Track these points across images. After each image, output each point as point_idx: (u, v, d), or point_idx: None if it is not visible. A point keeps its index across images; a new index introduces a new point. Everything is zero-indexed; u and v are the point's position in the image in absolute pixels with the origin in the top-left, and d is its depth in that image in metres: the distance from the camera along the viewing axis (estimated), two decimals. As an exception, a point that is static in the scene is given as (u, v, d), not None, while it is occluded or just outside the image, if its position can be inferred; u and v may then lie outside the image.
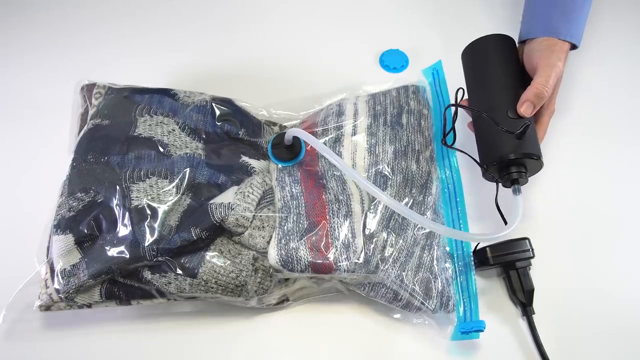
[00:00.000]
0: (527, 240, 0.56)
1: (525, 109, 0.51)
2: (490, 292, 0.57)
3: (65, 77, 0.68)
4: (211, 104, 0.59)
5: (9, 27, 0.77)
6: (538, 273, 0.56)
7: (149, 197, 0.51)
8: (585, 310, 0.57)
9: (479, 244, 0.56)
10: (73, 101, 0.62)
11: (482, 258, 0.56)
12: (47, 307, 0.49)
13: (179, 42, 0.76)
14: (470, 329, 0.50)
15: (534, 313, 0.55)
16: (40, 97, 0.70)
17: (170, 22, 0.78)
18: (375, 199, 0.54)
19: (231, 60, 0.74)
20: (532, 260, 0.56)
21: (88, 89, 0.61)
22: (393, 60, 0.74)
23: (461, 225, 0.57)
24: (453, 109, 0.58)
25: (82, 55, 0.74)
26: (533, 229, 0.58)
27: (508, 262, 0.55)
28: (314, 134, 0.59)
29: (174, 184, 0.52)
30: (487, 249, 0.55)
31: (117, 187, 0.51)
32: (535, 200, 0.63)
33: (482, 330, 0.50)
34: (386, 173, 0.56)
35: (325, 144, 0.57)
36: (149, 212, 0.50)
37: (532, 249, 0.56)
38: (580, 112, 0.70)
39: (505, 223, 0.52)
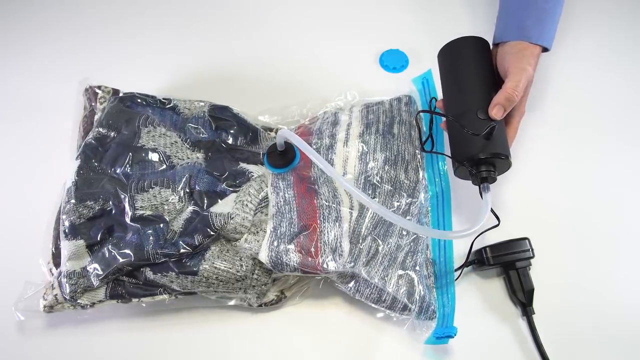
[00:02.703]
0: (527, 240, 0.56)
1: (496, 111, 0.52)
2: (490, 292, 0.57)
3: (65, 77, 0.70)
4: (209, 114, 0.61)
5: (9, 27, 0.77)
6: (538, 273, 0.56)
7: (153, 207, 0.53)
8: (586, 310, 0.56)
9: (473, 244, 0.55)
10: (76, 101, 0.63)
11: (482, 258, 0.56)
12: (50, 307, 0.51)
13: (178, 44, 0.76)
14: (442, 334, 0.50)
15: (534, 313, 0.55)
16: (41, 97, 0.70)
17: (170, 23, 0.78)
18: (365, 206, 0.55)
19: (230, 61, 0.74)
20: (532, 260, 0.56)
21: (92, 92, 0.62)
22: (393, 60, 0.74)
23: (445, 228, 0.58)
24: (430, 116, 0.60)
25: (82, 55, 0.74)
26: (533, 229, 0.58)
27: (508, 262, 0.55)
28: (309, 142, 0.60)
29: (176, 193, 0.54)
30: (487, 248, 0.56)
31: (124, 197, 0.54)
32: (534, 200, 0.62)
33: (452, 337, 0.50)
34: (375, 182, 0.57)
35: (318, 151, 0.59)
36: (153, 219, 0.53)
37: (532, 249, 0.55)
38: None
39: (498, 221, 0.53)
